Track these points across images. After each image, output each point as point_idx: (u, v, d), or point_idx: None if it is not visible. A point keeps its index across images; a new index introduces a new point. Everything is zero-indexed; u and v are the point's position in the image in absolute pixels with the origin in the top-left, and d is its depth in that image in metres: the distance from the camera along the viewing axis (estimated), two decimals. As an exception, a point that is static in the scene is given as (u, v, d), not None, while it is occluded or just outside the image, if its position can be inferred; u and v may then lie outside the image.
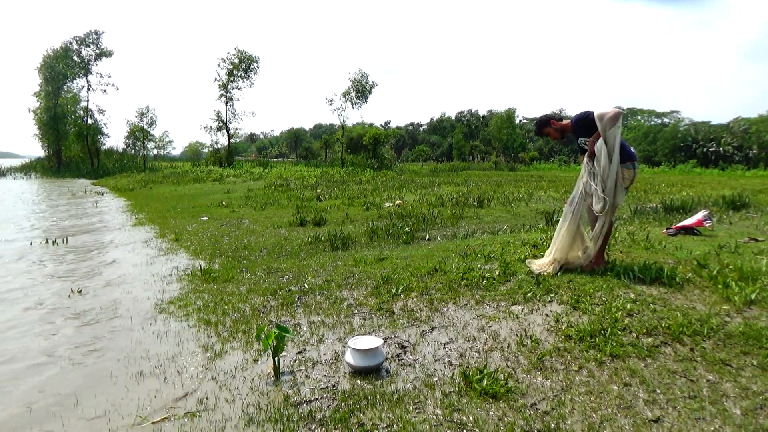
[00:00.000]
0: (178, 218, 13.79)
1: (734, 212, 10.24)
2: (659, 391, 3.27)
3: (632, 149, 5.28)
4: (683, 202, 11.26)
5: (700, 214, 7.56)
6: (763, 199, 13.84)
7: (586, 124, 5.20)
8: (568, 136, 5.58)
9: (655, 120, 76.04)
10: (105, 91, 63.99)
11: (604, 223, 5.17)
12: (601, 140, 5.03)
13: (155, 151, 65.35)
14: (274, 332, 3.86)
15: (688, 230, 7.16)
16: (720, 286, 4.61)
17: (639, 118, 79.69)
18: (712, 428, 2.87)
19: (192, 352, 4.47)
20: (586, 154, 5.22)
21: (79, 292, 6.61)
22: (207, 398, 3.64)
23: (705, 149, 52.44)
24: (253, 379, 3.88)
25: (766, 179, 30.63)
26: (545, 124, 5.58)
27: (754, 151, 49.14)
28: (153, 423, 3.35)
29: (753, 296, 4.30)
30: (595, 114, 5.05)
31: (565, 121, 5.51)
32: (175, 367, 4.18)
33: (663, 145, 57.25)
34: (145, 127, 53.43)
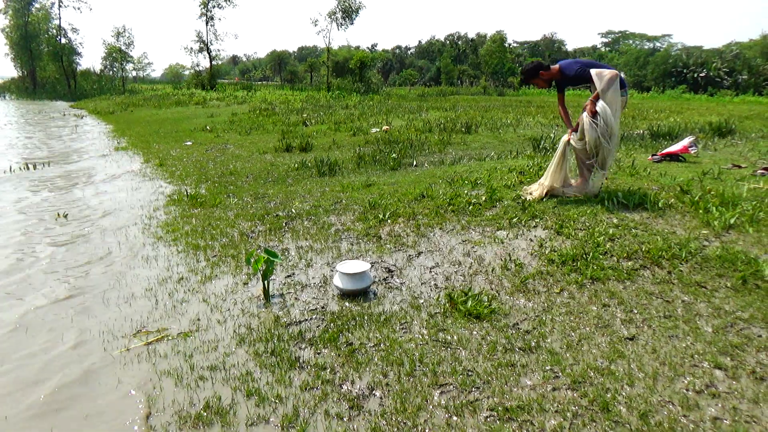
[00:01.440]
0: (162, 143, 13.56)
1: (720, 139, 10.29)
2: (636, 311, 3.41)
3: (623, 75, 5.23)
4: (670, 129, 11.26)
5: (685, 141, 7.60)
6: (749, 126, 13.89)
7: (581, 77, 5.16)
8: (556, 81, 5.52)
9: (647, 44, 74.66)
10: (78, 9, 61.17)
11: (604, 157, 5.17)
12: (602, 102, 4.97)
13: (134, 73, 63.28)
14: (263, 257, 3.92)
15: (674, 157, 7.21)
16: (701, 212, 4.71)
17: (630, 42, 78.16)
18: (684, 345, 3.02)
19: (182, 276, 4.53)
20: (586, 112, 5.10)
21: (65, 216, 6.58)
22: (199, 319, 3.73)
23: (695, 74, 51.87)
24: (243, 302, 3.97)
25: (754, 105, 30.61)
26: (534, 74, 5.46)
27: (744, 77, 48.71)
28: (147, 343, 3.45)
29: (732, 221, 4.41)
30: (593, 72, 4.99)
31: (553, 68, 5.41)
32: (166, 290, 4.25)
33: (653, 70, 56.42)
34: (123, 47, 51.48)
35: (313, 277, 4.32)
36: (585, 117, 5.11)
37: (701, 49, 57.76)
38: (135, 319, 3.79)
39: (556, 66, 5.39)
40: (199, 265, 4.74)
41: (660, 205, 4.93)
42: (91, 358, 3.33)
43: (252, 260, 3.96)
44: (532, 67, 5.46)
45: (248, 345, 3.34)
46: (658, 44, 72.71)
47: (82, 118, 24.35)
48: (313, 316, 3.66)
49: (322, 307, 3.80)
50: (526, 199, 5.40)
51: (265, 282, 3.97)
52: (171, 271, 4.66)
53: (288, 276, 4.37)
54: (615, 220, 4.69)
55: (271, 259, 3.94)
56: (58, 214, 6.62)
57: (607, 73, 4.95)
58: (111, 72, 55.68)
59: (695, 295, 3.54)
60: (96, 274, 4.70)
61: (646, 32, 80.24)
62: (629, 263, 3.99)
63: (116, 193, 7.95)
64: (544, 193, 5.38)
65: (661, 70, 55.18)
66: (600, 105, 4.99)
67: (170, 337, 3.50)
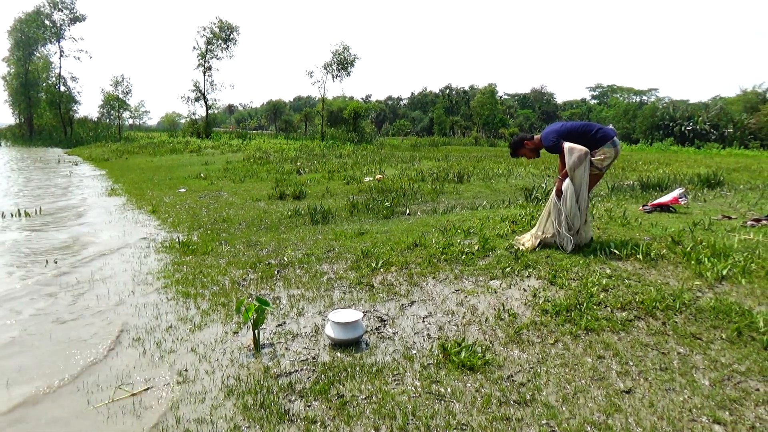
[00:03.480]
0: (155, 190, 13.60)
1: (709, 190, 10.43)
2: (632, 364, 3.36)
3: (610, 127, 5.32)
4: (660, 180, 11.43)
5: (675, 192, 7.69)
6: (737, 178, 14.12)
7: (556, 150, 5.28)
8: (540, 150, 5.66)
9: (634, 98, 76.81)
10: (78, 58, 62.59)
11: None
12: (568, 180, 5.11)
13: (130, 121, 64.03)
14: (254, 305, 3.86)
15: (664, 207, 7.28)
16: (693, 262, 4.71)
17: (618, 95, 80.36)
18: (682, 398, 2.97)
19: (171, 325, 4.45)
20: (554, 191, 5.29)
21: (55, 262, 6.51)
22: (186, 370, 3.64)
23: (682, 128, 53.13)
24: (233, 352, 3.89)
25: (740, 158, 31.20)
26: (520, 146, 5.61)
27: (730, 130, 49.94)
28: (133, 394, 3.35)
29: (724, 272, 4.41)
30: (565, 147, 5.12)
31: (536, 138, 5.55)
32: (154, 339, 4.17)
33: (641, 122, 57.81)
34: (120, 96, 52.27)
35: (304, 327, 4.25)
36: (553, 196, 5.28)
37: (687, 103, 59.47)
38: (121, 369, 3.70)
39: (538, 135, 5.52)
40: (189, 314, 4.67)
41: (652, 255, 4.94)
42: (71, 410, 3.22)
43: (242, 309, 3.91)
44: (518, 140, 5.64)
45: (237, 397, 3.25)
46: (645, 98, 74.90)
47: (76, 164, 24.46)
48: (304, 367, 3.59)
49: (313, 358, 3.72)
50: (518, 248, 5.40)
51: (256, 331, 3.90)
52: (160, 320, 4.58)
53: (279, 325, 4.30)
54: (608, 270, 4.69)
55: (262, 307, 3.88)
56: (47, 261, 6.55)
57: (578, 150, 5.05)
58: (108, 120, 56.36)
59: (691, 347, 3.50)
60: (81, 321, 4.60)
61: (634, 86, 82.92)
62: (623, 314, 3.96)
63: (107, 240, 7.90)
64: (537, 243, 5.40)
65: (649, 123, 56.53)
66: (566, 184, 5.13)
67: (157, 388, 3.41)
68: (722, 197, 9.12)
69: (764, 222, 6.19)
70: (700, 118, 52.39)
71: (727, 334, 3.59)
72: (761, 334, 3.53)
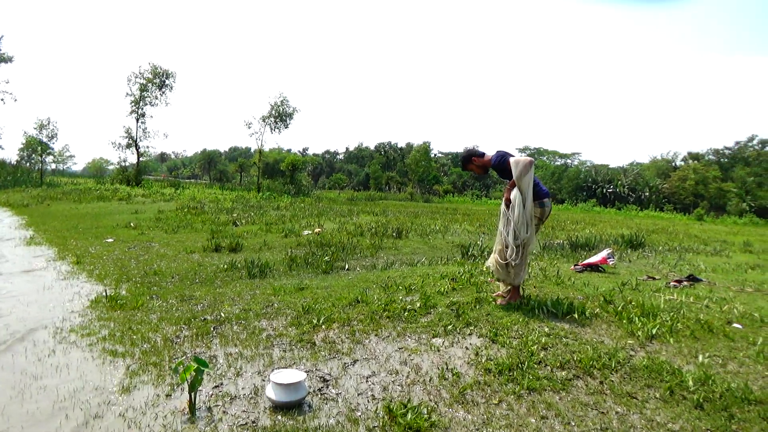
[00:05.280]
0: (80, 239, 12.90)
1: (632, 251, 11.03)
2: (573, 424, 3.42)
3: (544, 187, 5.55)
4: (587, 240, 11.99)
5: (604, 252, 8.09)
6: (656, 239, 15.03)
7: (502, 167, 5.42)
8: (489, 170, 5.80)
9: (559, 160, 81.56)
10: (2, 99, 59.73)
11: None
12: (516, 190, 5.23)
13: (53, 166, 61.38)
14: (192, 366, 3.68)
15: (594, 267, 7.62)
16: (625, 321, 4.92)
17: (544, 158, 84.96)
18: (623, 459, 3.02)
19: (96, 387, 4.14)
20: (503, 201, 5.43)
21: (-36, 318, 5.98)
22: (114, 438, 3.38)
23: (604, 190, 56.59)
24: (165, 416, 3.65)
25: (657, 220, 33.38)
26: (468, 160, 5.78)
27: (646, 194, 53.67)
28: (51, 466, 3.06)
29: (654, 331, 4.63)
30: (511, 160, 5.29)
31: (486, 157, 5.70)
32: (77, 404, 3.86)
33: (567, 184, 61.31)
34: (45, 140, 50.01)
35: (243, 388, 4.07)
36: (502, 206, 5.38)
37: (608, 167, 63.73)
38: (38, 437, 3.39)
39: (489, 156, 5.66)
40: (117, 375, 4.37)
41: (587, 314, 5.12)
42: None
43: (180, 369, 3.70)
44: (467, 155, 5.78)
45: (170, 467, 3.03)
46: (569, 161, 79.65)
47: (-9, 210, 22.95)
48: (243, 432, 3.41)
49: (253, 422, 3.55)
50: (499, 297, 5.54)
51: (192, 394, 3.69)
52: (84, 382, 4.26)
53: (216, 386, 4.10)
54: (546, 329, 4.80)
55: (201, 368, 3.70)
56: (-44, 315, 6.01)
57: (523, 160, 5.20)
58: (28, 164, 53.62)
59: (628, 406, 3.60)
60: (-5, 385, 4.21)
61: (558, 149, 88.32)
62: (563, 373, 4.05)
63: (24, 293, 7.35)
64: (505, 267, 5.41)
65: (573, 184, 59.98)
66: (514, 193, 5.22)
67: (79, 459, 3.14)
68: (645, 258, 9.66)
69: (685, 283, 6.59)
70: (620, 182, 56.12)
71: (660, 393, 3.73)
72: (691, 393, 3.69)
